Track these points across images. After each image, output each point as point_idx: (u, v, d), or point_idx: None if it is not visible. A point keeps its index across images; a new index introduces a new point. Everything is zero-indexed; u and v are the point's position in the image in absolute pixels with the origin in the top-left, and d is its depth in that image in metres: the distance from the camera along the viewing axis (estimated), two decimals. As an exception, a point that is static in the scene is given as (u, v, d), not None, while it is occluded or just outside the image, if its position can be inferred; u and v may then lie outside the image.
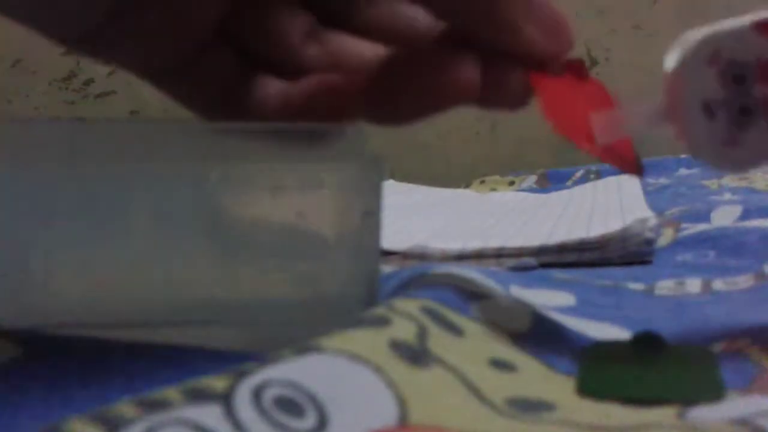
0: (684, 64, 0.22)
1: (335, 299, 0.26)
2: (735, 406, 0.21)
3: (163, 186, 0.26)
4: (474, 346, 0.24)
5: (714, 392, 0.22)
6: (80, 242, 0.25)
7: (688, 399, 0.21)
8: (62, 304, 0.25)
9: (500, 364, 0.23)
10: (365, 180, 0.26)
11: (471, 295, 0.26)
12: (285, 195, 0.26)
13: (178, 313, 0.25)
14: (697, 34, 0.22)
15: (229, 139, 0.26)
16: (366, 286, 0.26)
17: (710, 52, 0.22)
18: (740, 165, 0.23)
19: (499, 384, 0.22)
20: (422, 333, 0.23)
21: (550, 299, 0.31)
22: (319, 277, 0.26)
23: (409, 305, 0.24)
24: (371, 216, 0.26)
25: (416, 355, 0.21)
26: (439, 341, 0.23)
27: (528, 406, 0.21)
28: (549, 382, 0.23)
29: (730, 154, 0.23)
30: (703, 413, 0.21)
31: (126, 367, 0.22)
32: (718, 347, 0.25)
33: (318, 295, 0.26)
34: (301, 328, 0.22)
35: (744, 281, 0.34)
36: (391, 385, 0.20)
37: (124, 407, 0.16)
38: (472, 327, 0.25)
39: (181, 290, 0.25)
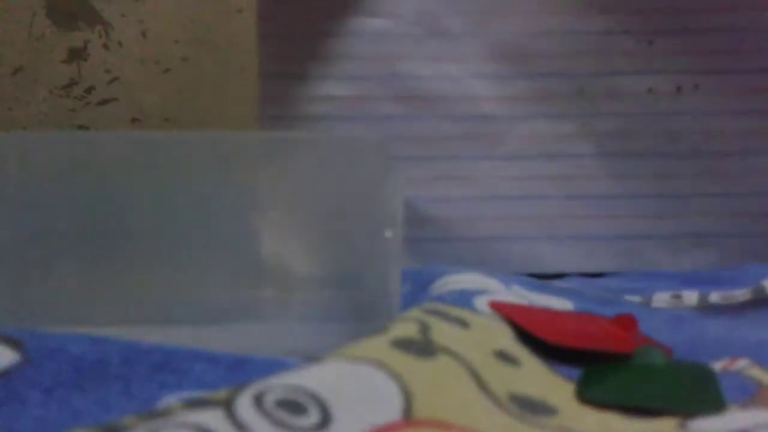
0: None
1: (362, 309, 0.26)
2: (735, 418, 0.21)
3: (165, 187, 0.26)
4: (480, 336, 0.24)
5: (715, 405, 0.22)
6: (80, 245, 0.25)
7: (689, 411, 0.21)
8: (60, 304, 0.25)
9: (505, 357, 0.23)
10: (390, 194, 0.26)
11: (476, 291, 0.26)
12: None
13: (185, 313, 0.25)
14: None
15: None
16: (389, 298, 0.26)
17: None
18: None
19: (504, 377, 0.22)
20: (424, 328, 0.23)
21: (549, 303, 0.31)
22: (347, 288, 0.26)
23: (410, 312, 0.24)
24: (394, 230, 0.26)
25: (420, 347, 0.21)
26: (443, 332, 0.23)
27: (530, 406, 0.21)
28: (550, 383, 0.23)
29: None
30: (703, 425, 0.21)
31: (123, 372, 0.22)
32: (718, 366, 0.25)
33: (346, 305, 0.26)
34: (324, 334, 0.22)
35: (741, 295, 0.34)
36: (395, 377, 0.20)
37: (125, 420, 0.16)
38: (477, 319, 0.25)
39: (190, 290, 0.25)
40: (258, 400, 0.18)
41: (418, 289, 0.30)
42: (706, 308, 0.33)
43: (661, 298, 0.34)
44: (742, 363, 0.25)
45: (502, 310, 0.26)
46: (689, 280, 0.37)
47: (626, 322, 0.27)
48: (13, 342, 0.22)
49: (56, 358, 0.22)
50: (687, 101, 0.42)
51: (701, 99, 0.42)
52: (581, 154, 0.42)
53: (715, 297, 0.34)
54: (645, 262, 0.42)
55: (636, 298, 0.34)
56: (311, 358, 0.20)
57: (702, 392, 0.22)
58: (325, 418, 0.18)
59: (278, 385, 0.18)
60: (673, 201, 0.42)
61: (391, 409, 0.19)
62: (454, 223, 0.42)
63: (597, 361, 0.24)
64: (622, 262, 0.42)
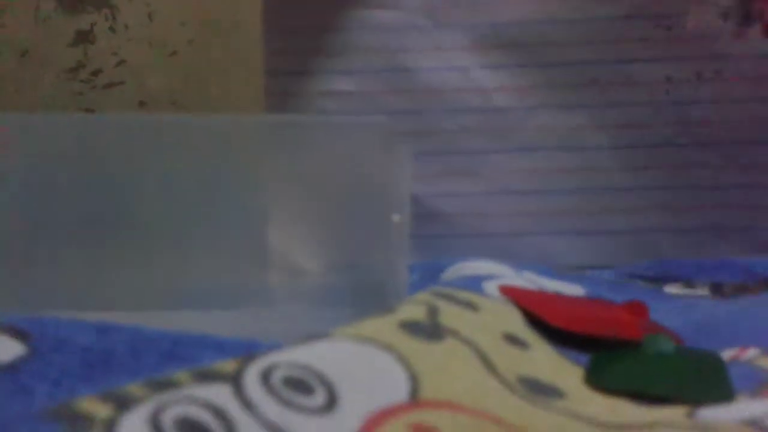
0: None
1: (369, 294, 0.26)
2: (745, 407, 0.21)
3: (172, 171, 0.26)
4: (488, 319, 0.24)
5: (724, 393, 0.22)
6: (87, 230, 0.25)
7: (697, 399, 0.21)
8: (67, 290, 0.25)
9: (513, 339, 0.23)
10: (397, 177, 0.26)
11: (486, 276, 0.26)
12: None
13: (192, 298, 0.25)
14: None
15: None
16: (396, 283, 0.26)
17: None
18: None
19: (512, 359, 0.22)
20: (432, 311, 0.23)
21: (560, 289, 0.31)
22: (354, 273, 0.26)
23: (418, 295, 0.24)
24: (401, 213, 0.26)
25: (427, 330, 0.21)
26: (451, 315, 0.23)
27: (539, 388, 0.21)
28: (559, 367, 0.23)
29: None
30: (712, 413, 0.21)
31: (131, 363, 0.22)
32: (727, 355, 0.25)
33: (353, 290, 0.26)
34: (332, 317, 0.22)
35: (754, 287, 0.33)
36: (401, 360, 0.20)
37: (133, 388, 0.16)
38: (486, 303, 0.25)
39: (197, 275, 0.25)
40: (265, 377, 0.18)
41: (428, 277, 0.30)
42: (718, 297, 0.33)
43: (674, 286, 0.34)
44: (752, 352, 0.25)
45: (512, 294, 0.26)
46: (703, 268, 0.37)
47: (636, 308, 0.27)
48: (19, 334, 0.22)
49: (63, 350, 0.22)
50: (707, 88, 0.41)
51: (722, 86, 0.41)
52: (596, 145, 0.41)
53: (728, 288, 0.34)
54: (662, 257, 0.41)
55: (648, 285, 0.34)
56: (318, 334, 0.20)
57: (711, 381, 0.22)
58: (331, 399, 0.18)
59: (285, 361, 0.18)
60: (693, 193, 0.41)
61: (398, 392, 0.19)
62: (464, 219, 0.42)
63: (606, 348, 0.24)
64: (638, 257, 0.41)
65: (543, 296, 0.27)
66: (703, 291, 0.34)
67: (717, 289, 0.34)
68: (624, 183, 0.41)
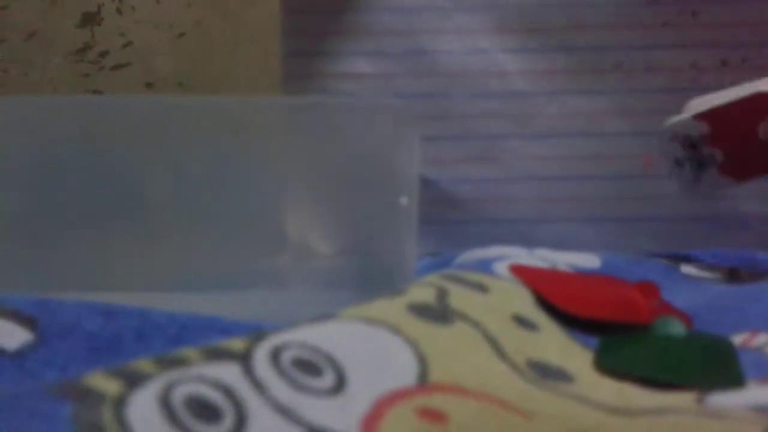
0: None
1: (378, 276, 0.26)
2: (755, 394, 0.21)
3: (181, 153, 0.25)
4: (498, 300, 0.23)
5: (734, 379, 0.21)
6: (96, 212, 0.25)
7: (707, 384, 0.21)
8: (76, 272, 0.25)
9: (523, 321, 0.23)
10: (405, 160, 0.26)
11: (497, 257, 0.26)
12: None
13: (201, 280, 0.25)
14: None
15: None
16: (405, 265, 0.26)
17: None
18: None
19: (521, 342, 0.22)
20: (442, 294, 0.22)
21: (575, 261, 0.31)
22: (363, 255, 0.26)
23: (428, 277, 0.24)
24: (409, 196, 0.26)
25: (436, 313, 0.21)
26: (460, 298, 0.23)
27: (547, 372, 0.21)
28: (568, 350, 0.23)
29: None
30: (722, 399, 0.20)
31: (138, 349, 0.22)
32: (738, 341, 0.25)
33: (362, 272, 0.26)
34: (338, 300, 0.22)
35: None
36: (410, 343, 0.20)
37: (143, 363, 0.16)
38: (496, 284, 0.24)
39: (206, 257, 0.25)
40: (275, 357, 0.18)
41: (439, 263, 0.30)
42: (734, 281, 0.33)
43: (691, 267, 0.34)
44: (762, 338, 0.25)
45: (522, 274, 0.26)
46: (722, 258, 0.36)
47: (648, 289, 0.27)
48: (26, 320, 0.22)
49: (69, 336, 0.22)
50: (733, 76, 0.39)
51: (749, 74, 0.39)
52: (618, 132, 0.41)
53: (746, 275, 0.34)
54: (683, 246, 0.40)
55: (664, 262, 0.34)
56: (322, 315, 0.20)
57: (721, 367, 0.22)
58: (340, 382, 0.18)
59: (294, 341, 0.18)
60: None
61: (406, 375, 0.19)
62: (484, 205, 0.41)
63: (615, 330, 0.24)
64: (659, 244, 0.40)
65: (553, 276, 0.27)
66: (719, 274, 0.34)
67: (734, 273, 0.34)
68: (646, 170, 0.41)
